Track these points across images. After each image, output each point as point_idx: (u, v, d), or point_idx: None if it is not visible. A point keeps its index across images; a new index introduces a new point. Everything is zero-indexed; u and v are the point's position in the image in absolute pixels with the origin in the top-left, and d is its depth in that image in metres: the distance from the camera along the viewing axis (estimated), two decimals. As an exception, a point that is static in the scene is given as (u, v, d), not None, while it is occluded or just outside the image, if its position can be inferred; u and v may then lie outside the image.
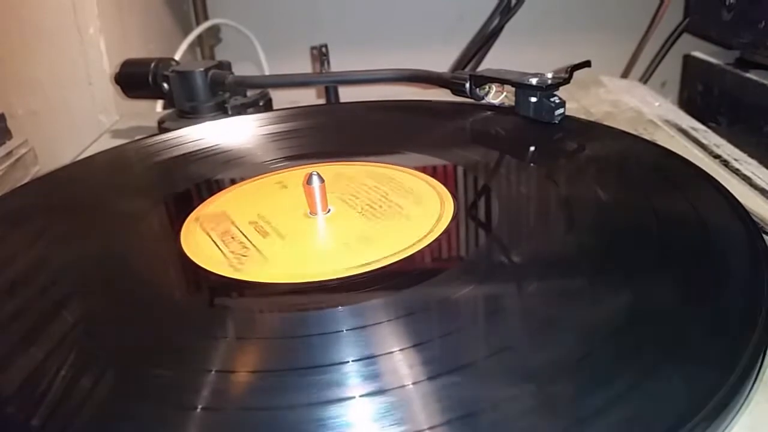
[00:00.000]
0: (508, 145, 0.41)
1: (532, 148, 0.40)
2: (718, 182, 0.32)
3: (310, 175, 0.32)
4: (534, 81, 0.41)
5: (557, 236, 0.29)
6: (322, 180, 0.32)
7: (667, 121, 0.51)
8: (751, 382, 0.20)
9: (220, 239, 0.31)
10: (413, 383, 0.20)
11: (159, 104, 0.65)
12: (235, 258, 0.29)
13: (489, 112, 0.46)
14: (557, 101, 0.41)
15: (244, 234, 0.32)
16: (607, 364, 0.20)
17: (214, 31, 0.93)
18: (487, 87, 0.46)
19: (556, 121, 0.41)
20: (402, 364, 0.21)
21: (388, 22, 0.95)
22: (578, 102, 0.57)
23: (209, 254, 0.30)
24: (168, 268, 0.31)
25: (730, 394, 0.19)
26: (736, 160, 0.42)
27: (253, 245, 0.30)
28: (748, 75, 0.58)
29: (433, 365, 0.21)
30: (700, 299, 0.23)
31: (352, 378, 0.21)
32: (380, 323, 0.23)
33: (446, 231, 0.30)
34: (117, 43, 0.67)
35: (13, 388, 0.22)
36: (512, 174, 0.37)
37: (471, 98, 0.46)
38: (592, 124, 0.45)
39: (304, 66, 0.80)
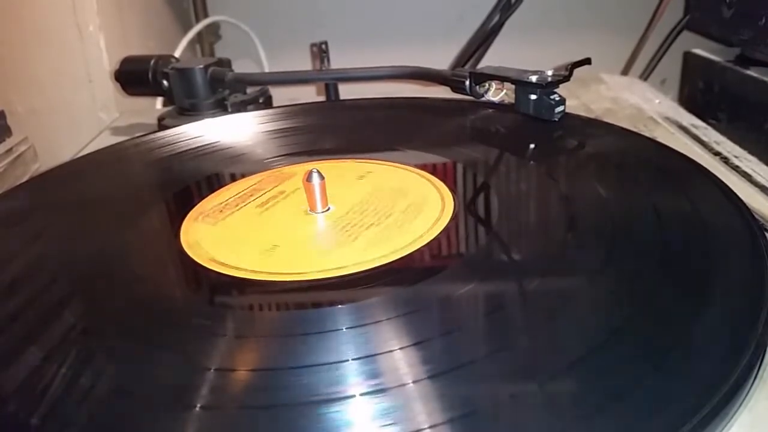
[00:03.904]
0: (508, 143, 0.41)
1: (532, 146, 0.40)
2: (719, 179, 0.32)
3: (310, 172, 0.32)
4: (534, 78, 0.41)
5: (557, 234, 0.29)
6: (322, 177, 0.32)
7: (668, 118, 0.50)
8: (752, 380, 0.20)
9: (246, 191, 0.32)
10: (413, 382, 0.20)
11: (159, 101, 0.65)
12: (216, 211, 0.30)
13: (489, 110, 0.46)
14: (557, 99, 0.41)
15: (258, 196, 0.32)
16: (608, 363, 0.20)
17: (214, 28, 0.93)
18: (486, 84, 0.46)
19: (556, 119, 0.41)
20: (402, 363, 0.21)
21: (389, 19, 0.95)
22: (578, 99, 0.57)
23: (223, 197, 0.30)
24: (168, 265, 0.31)
25: (730, 391, 0.19)
26: (736, 157, 0.42)
27: (236, 211, 0.31)
28: (748, 72, 0.58)
29: (433, 364, 0.21)
30: (700, 296, 0.23)
31: (352, 376, 0.21)
32: (380, 321, 0.23)
33: (446, 229, 0.30)
34: (117, 41, 0.67)
35: (13, 386, 0.22)
36: (512, 172, 0.37)
37: (471, 96, 0.46)
38: (592, 121, 0.45)
39: (304, 63, 0.80)
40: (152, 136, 0.46)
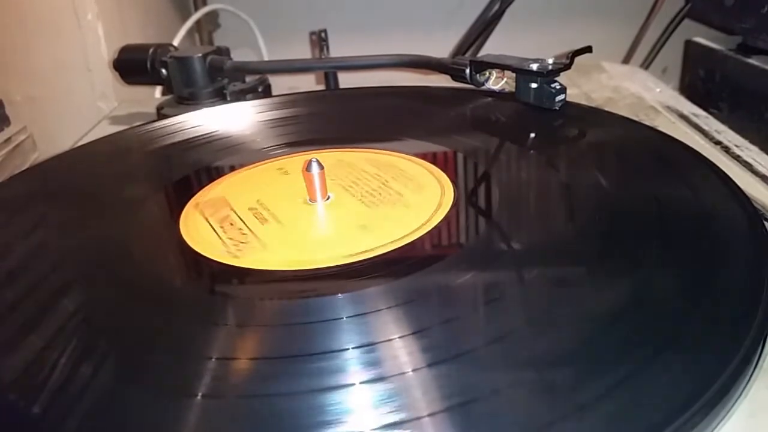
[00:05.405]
0: (508, 132, 0.41)
1: (532, 135, 0.40)
2: (719, 168, 0.32)
3: (310, 161, 0.32)
4: (535, 67, 0.41)
5: (557, 223, 0.29)
6: (321, 167, 0.32)
7: (668, 107, 0.50)
8: (752, 369, 0.20)
9: (219, 226, 0.31)
10: (413, 370, 0.20)
11: (158, 90, 0.65)
12: (234, 245, 0.29)
13: (489, 99, 0.45)
14: (558, 87, 0.41)
15: (243, 221, 0.32)
16: (607, 351, 0.20)
17: (213, 16, 0.93)
18: (487, 73, 0.45)
19: (557, 108, 0.41)
20: (401, 351, 0.21)
21: (388, 7, 0.95)
22: (579, 88, 0.56)
23: (208, 241, 0.30)
24: (168, 255, 0.31)
25: (730, 380, 0.19)
26: (737, 146, 0.42)
27: (252, 232, 0.30)
28: (749, 61, 0.58)
29: (433, 352, 0.21)
30: (700, 286, 0.23)
31: (352, 365, 0.21)
32: (380, 310, 0.23)
33: (446, 218, 0.30)
34: (115, 29, 0.67)
35: (14, 375, 0.22)
36: (512, 161, 0.37)
37: (471, 84, 0.46)
38: (593, 110, 0.45)
39: (303, 51, 0.80)
40: (151, 125, 0.46)
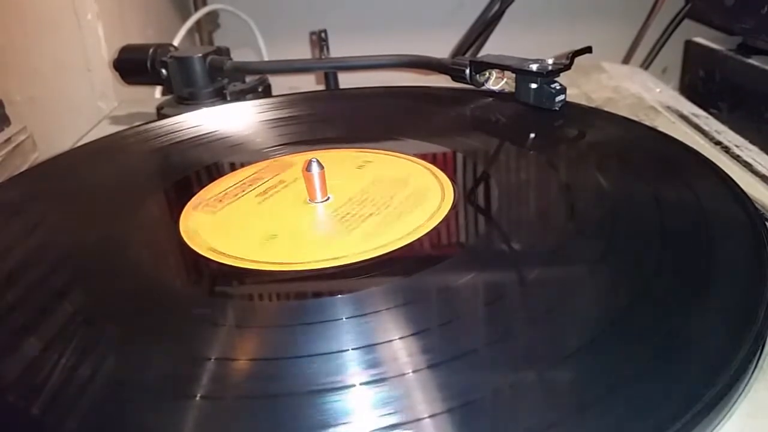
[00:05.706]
0: (508, 132, 0.41)
1: (532, 135, 0.40)
2: (720, 168, 0.32)
3: (309, 161, 0.32)
4: (534, 67, 0.41)
5: (557, 224, 0.29)
6: (321, 167, 0.32)
7: (668, 108, 0.50)
8: (751, 370, 0.20)
9: (243, 182, 0.35)
10: (413, 371, 0.20)
11: (158, 90, 0.65)
12: (213, 202, 0.33)
13: (489, 99, 0.45)
14: (558, 87, 0.41)
15: (256, 188, 0.34)
16: (607, 352, 0.20)
17: (213, 16, 0.93)
18: (487, 73, 0.45)
19: (557, 108, 0.41)
20: (402, 352, 0.21)
21: (388, 7, 0.95)
22: (579, 88, 0.56)
23: (214, 190, 0.35)
24: (167, 254, 0.31)
25: (730, 380, 0.19)
26: (737, 146, 0.42)
27: (236, 201, 0.33)
28: (749, 61, 0.58)
29: (433, 353, 0.21)
30: (700, 286, 0.23)
31: (352, 366, 0.21)
32: (380, 311, 0.23)
33: (446, 219, 0.30)
34: (115, 29, 0.67)
35: (14, 376, 0.22)
36: (512, 161, 0.37)
37: (471, 84, 0.46)
38: (593, 110, 0.45)
39: (303, 52, 0.79)
40: (151, 125, 0.46)
